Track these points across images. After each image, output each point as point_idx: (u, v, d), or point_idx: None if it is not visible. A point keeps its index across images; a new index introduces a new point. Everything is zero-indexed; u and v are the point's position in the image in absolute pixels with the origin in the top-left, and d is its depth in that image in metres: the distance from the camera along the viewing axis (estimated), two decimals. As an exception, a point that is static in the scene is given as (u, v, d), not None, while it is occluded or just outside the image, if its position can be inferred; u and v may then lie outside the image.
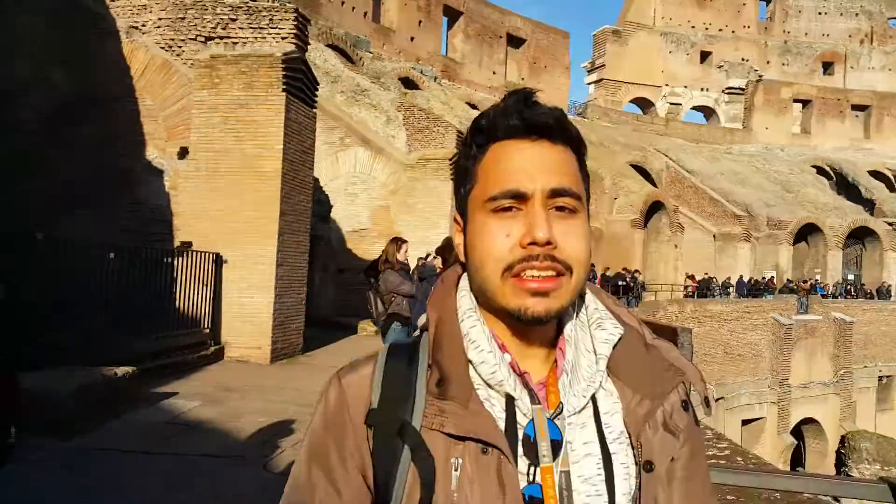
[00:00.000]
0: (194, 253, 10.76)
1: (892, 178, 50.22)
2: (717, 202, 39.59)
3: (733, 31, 57.54)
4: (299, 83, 11.97)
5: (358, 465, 0.91)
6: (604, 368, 0.95)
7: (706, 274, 33.31)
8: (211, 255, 11.01)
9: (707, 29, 57.25)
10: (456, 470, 0.86)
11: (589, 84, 56.12)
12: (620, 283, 24.05)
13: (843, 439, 27.84)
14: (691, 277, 32.76)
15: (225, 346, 11.15)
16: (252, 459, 6.02)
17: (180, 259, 10.53)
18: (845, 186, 48.84)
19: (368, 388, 0.93)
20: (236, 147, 11.43)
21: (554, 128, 0.93)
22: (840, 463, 26.47)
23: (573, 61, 48.41)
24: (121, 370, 7.66)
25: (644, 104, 56.26)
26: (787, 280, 36.40)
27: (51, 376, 6.77)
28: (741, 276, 34.68)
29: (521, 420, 0.90)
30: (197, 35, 12.14)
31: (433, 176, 18.89)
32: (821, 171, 50.48)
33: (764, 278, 35.06)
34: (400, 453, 0.88)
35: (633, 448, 0.94)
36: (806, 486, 2.98)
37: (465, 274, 1.00)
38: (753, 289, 33.18)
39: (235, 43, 11.96)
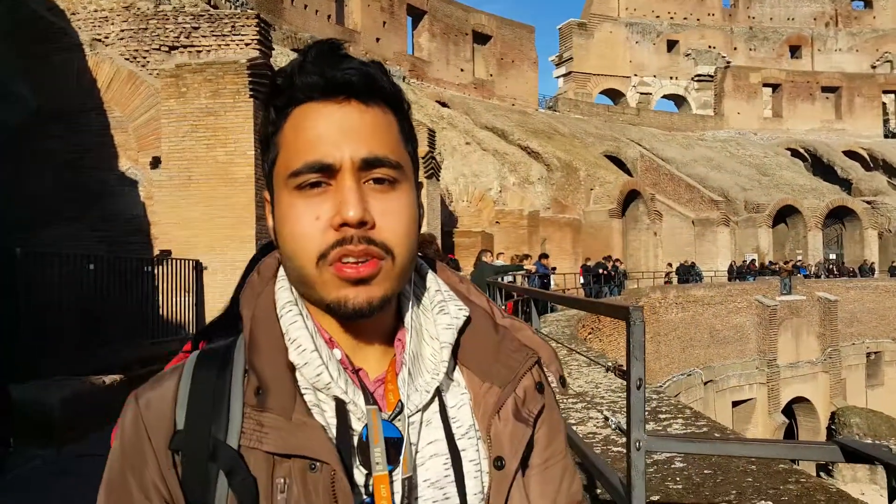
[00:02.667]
0: (174, 261, 10.77)
1: (866, 157, 51.06)
2: (694, 188, 39.86)
3: (698, 20, 58.29)
4: (266, 88, 11.93)
5: (165, 498, 0.78)
6: (447, 358, 0.84)
7: (686, 261, 33.19)
8: (191, 262, 11.04)
9: (672, 18, 57.82)
10: (282, 492, 0.75)
11: (558, 77, 56.33)
12: (602, 271, 23.81)
13: (833, 416, 28.11)
14: (670, 265, 32.88)
15: (211, 351, 11.14)
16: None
17: (160, 267, 10.52)
18: (821, 167, 49.53)
19: (172, 405, 0.79)
20: (208, 154, 11.50)
21: (361, 86, 0.79)
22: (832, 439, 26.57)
23: (540, 56, 48.61)
24: (108, 378, 7.59)
25: (614, 95, 56.57)
26: (770, 262, 36.52)
27: (39, 387, 6.72)
28: (732, 262, 34.86)
29: (356, 426, 0.79)
30: (161, 45, 12.16)
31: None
32: (795, 153, 51.14)
33: (745, 261, 35.31)
34: (215, 479, 0.75)
35: (485, 442, 0.85)
36: (761, 451, 2.92)
37: None
38: (747, 272, 33.28)
39: (200, 51, 11.99)
